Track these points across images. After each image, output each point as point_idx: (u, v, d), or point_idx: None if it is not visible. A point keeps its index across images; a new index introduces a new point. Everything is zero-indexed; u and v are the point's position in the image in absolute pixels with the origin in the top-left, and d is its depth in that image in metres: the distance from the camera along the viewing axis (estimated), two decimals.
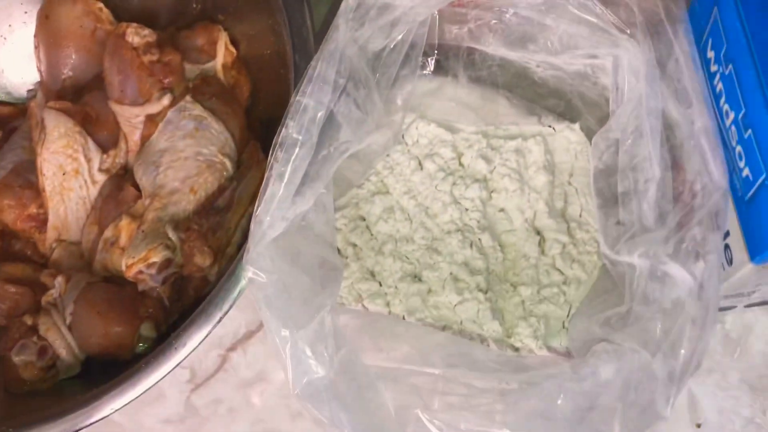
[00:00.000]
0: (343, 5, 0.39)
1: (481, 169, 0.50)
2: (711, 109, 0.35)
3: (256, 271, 0.36)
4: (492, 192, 0.50)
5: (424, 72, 0.49)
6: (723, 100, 0.34)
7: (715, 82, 0.35)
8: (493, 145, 0.51)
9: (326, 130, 0.38)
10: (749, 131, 0.32)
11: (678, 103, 0.36)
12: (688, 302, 0.31)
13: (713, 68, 0.35)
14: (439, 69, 0.50)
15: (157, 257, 0.48)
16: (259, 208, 0.37)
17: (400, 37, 0.41)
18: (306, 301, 0.38)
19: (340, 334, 0.37)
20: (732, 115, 0.33)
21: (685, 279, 0.31)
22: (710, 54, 0.36)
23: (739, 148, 0.33)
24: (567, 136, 0.51)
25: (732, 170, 0.34)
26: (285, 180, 0.37)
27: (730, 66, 0.33)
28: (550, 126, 0.51)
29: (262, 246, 0.36)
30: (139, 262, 0.48)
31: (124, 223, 0.52)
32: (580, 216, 0.49)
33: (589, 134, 0.51)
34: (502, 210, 0.50)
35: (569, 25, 0.42)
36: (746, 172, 0.33)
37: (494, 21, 0.45)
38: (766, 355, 0.47)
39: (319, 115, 0.37)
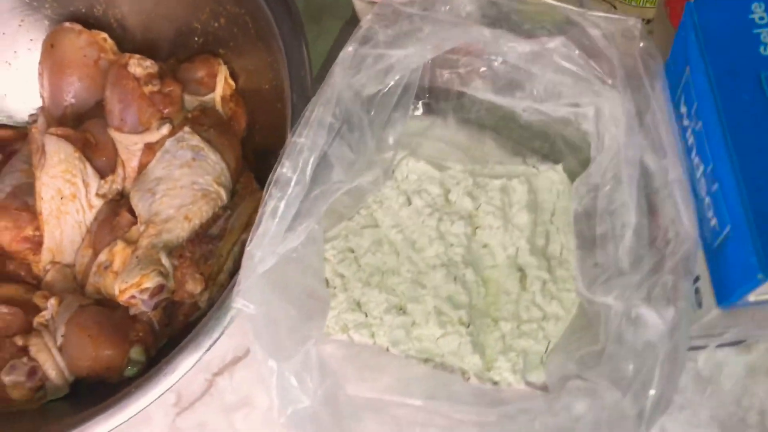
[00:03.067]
0: (341, 54, 0.41)
1: (467, 206, 0.52)
2: (684, 160, 0.37)
3: (246, 303, 0.37)
4: (477, 228, 0.52)
5: (416, 113, 0.51)
6: (694, 152, 0.36)
7: (688, 135, 0.37)
8: (479, 184, 0.53)
9: (320, 170, 0.40)
10: (716, 185, 0.34)
11: (654, 153, 0.38)
12: (659, 345, 0.33)
13: (686, 122, 0.37)
14: (430, 110, 0.52)
15: (150, 283, 0.49)
16: (252, 243, 0.38)
17: (393, 82, 0.43)
18: (293, 332, 0.39)
19: (325, 365, 0.38)
20: (702, 168, 0.35)
21: (657, 323, 0.33)
22: (683, 109, 0.38)
23: (708, 200, 0.35)
24: (550, 177, 0.53)
25: (702, 219, 0.36)
26: (278, 216, 0.38)
27: (700, 122, 0.35)
28: (534, 166, 0.54)
29: (252, 279, 0.37)
30: (132, 287, 0.49)
31: (119, 248, 0.53)
32: (561, 254, 0.51)
33: (572, 175, 0.53)
34: (485, 246, 0.51)
35: (554, 75, 0.44)
36: (714, 222, 0.35)
37: (483, 68, 0.47)
38: (736, 393, 0.49)
39: (314, 156, 0.39)
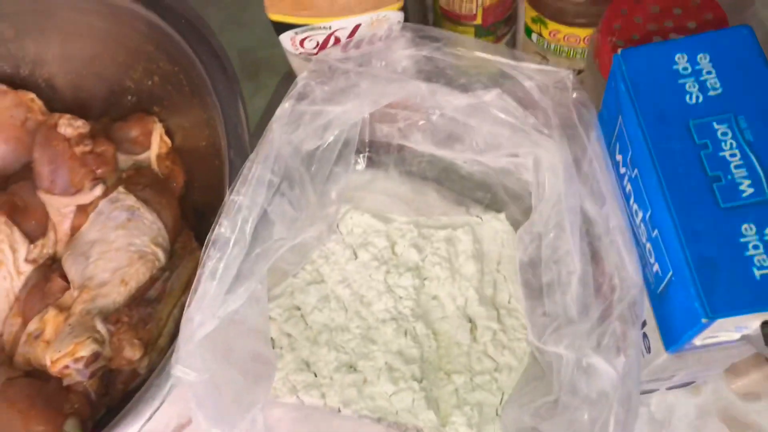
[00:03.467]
0: (278, 110, 0.41)
1: (413, 258, 0.51)
2: (623, 207, 0.38)
3: (185, 369, 0.36)
4: (425, 280, 0.51)
5: (357, 167, 0.51)
6: (632, 199, 0.37)
7: (625, 182, 0.38)
8: (424, 235, 0.53)
9: (260, 229, 0.39)
10: (656, 231, 0.34)
11: (594, 201, 0.39)
12: (611, 393, 0.33)
13: (622, 170, 0.38)
14: (371, 164, 0.52)
15: (84, 351, 0.46)
16: (191, 306, 0.37)
17: (332, 137, 0.43)
18: (238, 398, 0.37)
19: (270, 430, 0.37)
20: (641, 214, 0.36)
21: (608, 372, 0.33)
22: (618, 157, 0.39)
23: (648, 245, 0.36)
24: (494, 226, 0.53)
25: (645, 265, 0.37)
26: (217, 278, 0.37)
27: (636, 170, 0.36)
28: (477, 216, 0.54)
29: (192, 344, 0.36)
30: (65, 356, 0.46)
31: (51, 315, 0.51)
32: (509, 303, 0.51)
33: (515, 224, 0.53)
34: (434, 297, 0.51)
35: (492, 126, 0.45)
36: (656, 267, 0.35)
37: (422, 121, 0.47)
38: None
39: (253, 214, 0.38)
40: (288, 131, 0.40)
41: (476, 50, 0.44)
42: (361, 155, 0.50)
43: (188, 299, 0.38)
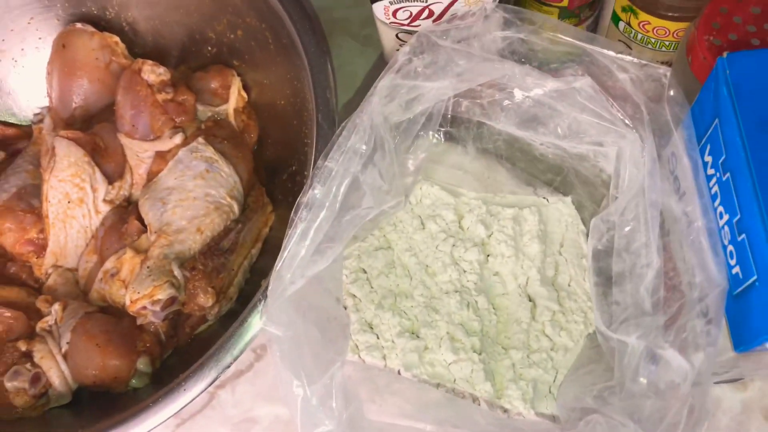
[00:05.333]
0: (379, 84, 0.41)
1: (480, 234, 0.53)
2: (709, 207, 0.39)
3: (275, 324, 0.37)
4: (488, 256, 0.53)
5: (434, 140, 0.52)
6: (718, 201, 0.38)
7: (711, 183, 0.39)
8: (492, 212, 0.54)
9: (350, 196, 0.40)
10: (743, 235, 0.35)
11: (678, 199, 0.40)
12: (683, 386, 0.34)
13: (710, 171, 0.39)
14: (449, 138, 0.53)
15: (162, 294, 0.49)
16: (281, 264, 0.39)
17: (419, 110, 0.44)
18: (317, 355, 0.39)
19: (348, 390, 0.39)
20: (726, 217, 0.37)
21: (682, 365, 0.34)
22: (708, 158, 0.39)
23: (731, 248, 0.37)
24: (559, 209, 0.54)
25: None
26: (308, 239, 0.39)
27: (728, 174, 0.36)
28: (544, 197, 0.55)
29: (281, 301, 0.38)
30: (144, 298, 0.48)
31: (128, 256, 0.53)
32: (569, 286, 0.52)
33: (579, 208, 0.54)
34: (497, 274, 0.52)
35: (579, 113, 0.45)
36: (737, 270, 0.36)
37: (507, 101, 0.48)
38: (731, 429, 0.50)
39: (346, 181, 0.40)
40: (384, 103, 0.41)
41: (572, 37, 0.45)
42: (442, 128, 0.51)
43: (279, 257, 0.39)
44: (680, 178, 0.40)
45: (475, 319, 0.50)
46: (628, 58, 0.43)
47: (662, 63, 0.54)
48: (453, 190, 0.54)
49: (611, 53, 0.44)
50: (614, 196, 0.45)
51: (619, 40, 0.55)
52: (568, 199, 0.55)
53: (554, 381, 0.48)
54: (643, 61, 0.42)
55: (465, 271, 0.51)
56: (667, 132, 0.41)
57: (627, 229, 0.43)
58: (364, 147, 0.40)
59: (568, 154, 0.50)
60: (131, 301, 0.49)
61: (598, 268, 0.44)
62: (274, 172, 0.59)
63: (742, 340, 0.36)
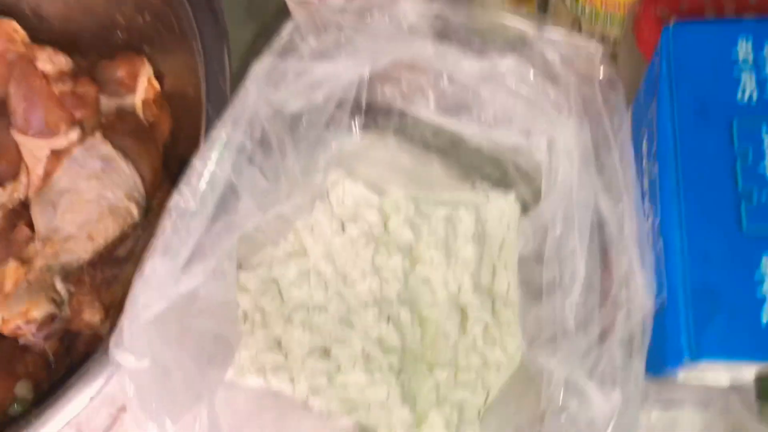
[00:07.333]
0: (256, 68, 0.35)
1: (406, 238, 0.47)
2: (641, 209, 0.32)
3: (125, 354, 0.31)
4: (417, 262, 0.47)
5: (351, 132, 0.46)
6: (647, 199, 0.32)
7: (644, 178, 0.33)
8: (422, 212, 0.48)
9: (225, 201, 0.34)
10: (660, 242, 0.29)
11: (609, 197, 0.34)
12: (601, 427, 0.28)
13: (645, 163, 0.33)
14: (371, 129, 0.47)
15: (38, 312, 0.43)
16: (137, 285, 0.33)
17: (321, 98, 0.38)
18: (187, 386, 0.33)
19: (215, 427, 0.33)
20: (650, 219, 0.31)
21: (601, 403, 0.28)
22: (644, 147, 0.33)
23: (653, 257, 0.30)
24: (500, 206, 0.48)
25: None
26: (170, 254, 0.33)
27: (656, 166, 0.30)
28: (484, 193, 0.49)
29: (136, 327, 0.32)
30: (18, 316, 0.43)
31: (11, 267, 0.47)
32: (507, 293, 0.46)
33: (524, 205, 0.48)
34: (425, 282, 0.46)
35: (505, 98, 0.39)
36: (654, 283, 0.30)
37: (428, 86, 0.42)
38: None
39: (218, 183, 0.34)
40: (268, 91, 0.35)
41: (496, 11, 0.39)
42: (357, 119, 0.45)
43: (135, 276, 0.33)
44: (613, 172, 0.34)
45: (395, 334, 0.44)
46: (556, 34, 0.37)
47: (615, 42, 0.48)
48: (379, 188, 0.48)
49: (538, 28, 0.37)
50: (546, 194, 0.39)
51: (569, 17, 0.49)
52: (511, 195, 0.48)
53: (484, 403, 0.43)
54: (573, 39, 0.36)
55: (387, 280, 0.45)
56: (600, 119, 0.35)
57: (557, 231, 0.37)
58: (241, 141, 0.34)
59: (500, 146, 0.44)
60: (3, 321, 0.43)
61: (525, 277, 0.38)
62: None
63: (654, 365, 0.30)
